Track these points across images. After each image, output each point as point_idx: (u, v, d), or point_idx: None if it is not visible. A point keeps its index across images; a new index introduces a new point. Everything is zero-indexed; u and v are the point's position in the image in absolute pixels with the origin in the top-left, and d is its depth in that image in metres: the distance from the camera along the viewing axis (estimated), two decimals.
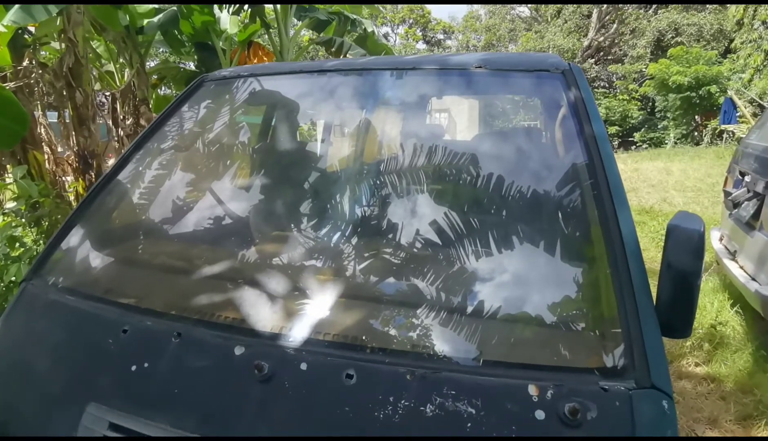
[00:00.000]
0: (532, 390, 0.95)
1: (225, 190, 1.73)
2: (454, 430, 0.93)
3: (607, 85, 24.90)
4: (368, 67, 1.79)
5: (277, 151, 1.99)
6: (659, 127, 19.44)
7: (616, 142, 20.22)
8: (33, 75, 4.13)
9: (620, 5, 23.73)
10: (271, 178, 1.82)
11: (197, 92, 1.90)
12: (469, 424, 0.93)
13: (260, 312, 1.19)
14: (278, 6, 6.32)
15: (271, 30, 6.66)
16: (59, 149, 4.79)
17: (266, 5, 6.28)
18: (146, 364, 1.14)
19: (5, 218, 3.98)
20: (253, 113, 2.40)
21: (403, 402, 0.97)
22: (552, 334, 1.07)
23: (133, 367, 1.14)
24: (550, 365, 1.00)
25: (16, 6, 3.13)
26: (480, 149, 1.79)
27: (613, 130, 19.80)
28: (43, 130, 4.35)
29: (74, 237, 1.53)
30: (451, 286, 1.21)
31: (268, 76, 1.97)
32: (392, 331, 1.13)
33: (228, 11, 6.05)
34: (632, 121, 20.53)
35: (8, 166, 4.69)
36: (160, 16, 5.55)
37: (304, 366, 1.05)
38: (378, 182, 1.69)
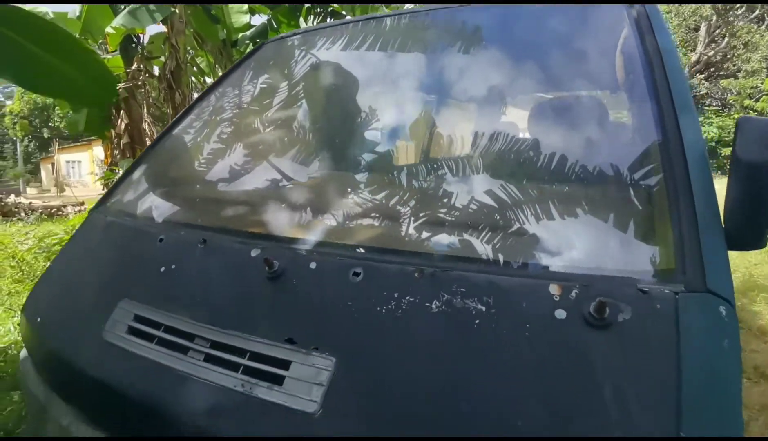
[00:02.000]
0: (554, 289, 0.82)
1: (268, 141, 1.76)
2: (459, 326, 0.83)
3: (720, 104, 22.56)
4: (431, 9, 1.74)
5: (330, 106, 2.00)
6: None
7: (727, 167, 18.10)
8: (141, 78, 4.68)
9: (730, 19, 21.59)
10: (314, 129, 1.84)
11: (257, 54, 2.01)
12: (477, 321, 0.83)
13: (279, 223, 1.20)
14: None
15: None
16: None
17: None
18: (173, 266, 1.19)
19: None
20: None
21: (408, 298, 0.89)
22: (586, 235, 0.93)
23: (162, 269, 1.19)
24: (580, 266, 0.87)
25: (125, 11, 3.56)
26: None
27: (727, 151, 17.78)
28: (147, 127, 4.89)
29: (133, 177, 1.68)
30: (471, 192, 1.11)
31: (327, 34, 1.99)
32: (405, 235, 1.06)
33: (313, 23, 6.43)
34: None
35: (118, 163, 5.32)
36: (252, 29, 6.05)
37: (313, 265, 1.02)
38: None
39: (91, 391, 1.08)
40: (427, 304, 0.87)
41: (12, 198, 11.74)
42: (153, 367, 1.01)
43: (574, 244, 0.93)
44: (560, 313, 0.80)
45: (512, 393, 0.76)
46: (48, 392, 1.22)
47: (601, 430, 0.69)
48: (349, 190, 1.30)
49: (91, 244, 1.47)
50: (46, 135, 36.94)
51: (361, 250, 1.02)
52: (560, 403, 0.73)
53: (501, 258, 0.92)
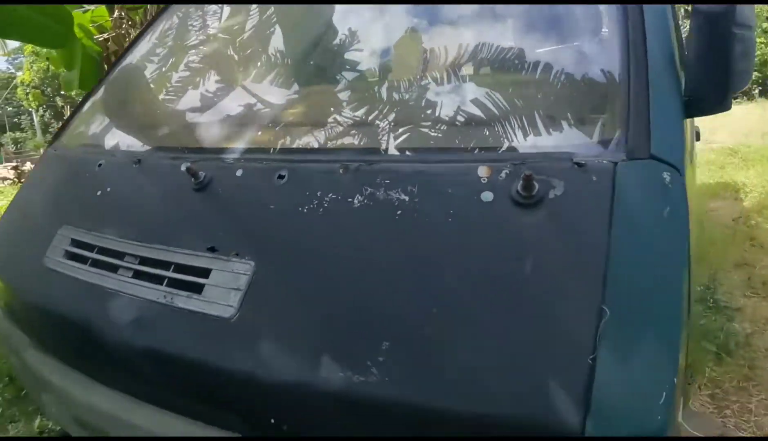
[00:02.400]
0: (483, 171, 0.73)
1: (209, 61, 1.62)
2: (380, 219, 0.76)
3: None
4: None
5: None
6: None
7: (757, 90, 17.13)
8: (123, 27, 4.51)
9: None
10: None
11: None
12: (398, 212, 0.75)
13: (210, 136, 1.13)
14: None
15: None
16: None
17: None
18: (108, 189, 1.14)
19: None
20: None
21: (330, 196, 0.82)
22: (525, 115, 0.83)
23: (99, 193, 1.14)
24: (515, 147, 0.78)
25: None
26: None
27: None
28: None
29: (82, 111, 1.61)
30: (402, 83, 1.01)
31: None
32: (332, 134, 0.98)
33: None
34: None
35: None
36: None
37: (239, 172, 0.95)
38: None
39: (34, 316, 1.07)
40: (350, 200, 0.80)
41: (28, 165, 11.94)
42: (87, 288, 0.98)
43: (511, 125, 0.83)
44: (487, 196, 0.71)
45: (433, 283, 0.69)
46: (9, 324, 1.22)
47: (519, 311, 0.62)
48: (278, 98, 1.21)
49: (42, 179, 1.44)
50: (60, 104, 37.05)
51: (288, 153, 0.95)
52: (479, 288, 0.66)
53: (430, 145, 0.83)
